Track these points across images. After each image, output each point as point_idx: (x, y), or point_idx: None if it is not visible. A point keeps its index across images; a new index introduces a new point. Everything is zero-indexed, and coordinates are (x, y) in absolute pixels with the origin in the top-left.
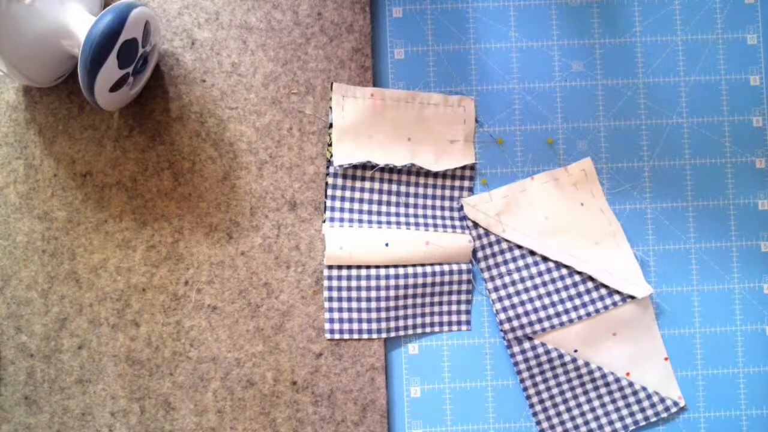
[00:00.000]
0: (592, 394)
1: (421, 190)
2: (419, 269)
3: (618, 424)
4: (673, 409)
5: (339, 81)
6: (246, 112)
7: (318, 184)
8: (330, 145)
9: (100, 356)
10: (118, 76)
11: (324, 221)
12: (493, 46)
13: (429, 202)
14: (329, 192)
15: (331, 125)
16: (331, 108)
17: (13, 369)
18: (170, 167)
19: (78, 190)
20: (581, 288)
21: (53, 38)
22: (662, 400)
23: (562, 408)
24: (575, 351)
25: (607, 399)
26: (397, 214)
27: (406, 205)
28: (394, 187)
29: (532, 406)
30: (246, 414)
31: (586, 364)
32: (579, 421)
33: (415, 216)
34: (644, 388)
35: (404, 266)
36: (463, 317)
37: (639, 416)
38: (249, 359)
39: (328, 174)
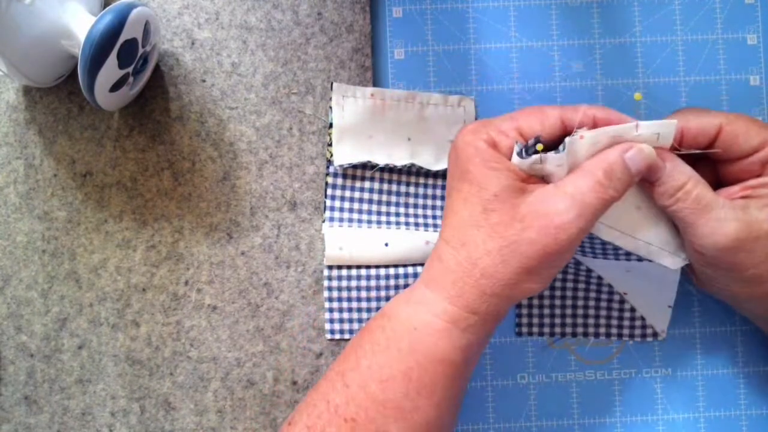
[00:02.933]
0: (580, 294)
1: (421, 190)
2: (419, 269)
3: (591, 329)
4: (649, 339)
5: (339, 81)
6: (246, 112)
7: (318, 184)
8: (330, 145)
9: (100, 356)
10: (118, 76)
11: (324, 221)
12: (493, 46)
13: (429, 202)
14: (329, 192)
15: (331, 125)
16: (331, 108)
17: (13, 369)
18: (170, 167)
19: (78, 190)
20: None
21: (53, 38)
22: (644, 326)
23: (546, 301)
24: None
25: (592, 303)
26: (397, 214)
27: (406, 205)
28: (394, 187)
29: None
30: (246, 414)
31: (586, 267)
32: (557, 311)
33: (415, 216)
34: (633, 309)
35: (404, 266)
36: None
37: (614, 330)
38: (249, 359)
39: (328, 174)
